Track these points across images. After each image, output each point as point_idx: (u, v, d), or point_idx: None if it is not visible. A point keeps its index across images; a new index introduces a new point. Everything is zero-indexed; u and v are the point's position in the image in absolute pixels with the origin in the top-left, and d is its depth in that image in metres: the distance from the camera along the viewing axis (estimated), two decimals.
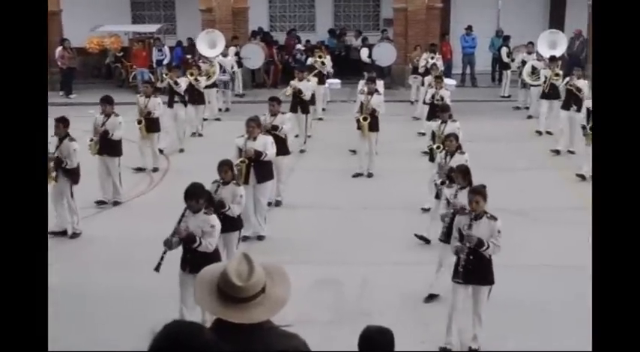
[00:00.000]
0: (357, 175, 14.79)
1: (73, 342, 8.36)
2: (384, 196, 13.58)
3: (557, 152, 16.15)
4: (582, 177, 14.30)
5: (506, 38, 23.42)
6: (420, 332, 8.79)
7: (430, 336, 8.68)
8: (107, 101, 13.27)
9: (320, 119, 19.45)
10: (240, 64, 22.70)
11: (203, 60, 20.38)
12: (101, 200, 13.28)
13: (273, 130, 12.63)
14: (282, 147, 12.71)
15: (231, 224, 9.48)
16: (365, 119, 14.39)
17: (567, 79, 15.93)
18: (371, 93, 14.61)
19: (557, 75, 17.10)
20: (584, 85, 15.82)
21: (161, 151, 15.88)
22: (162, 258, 8.44)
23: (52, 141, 11.36)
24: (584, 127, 14.18)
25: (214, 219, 8.56)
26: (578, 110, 15.08)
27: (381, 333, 4.87)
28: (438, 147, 11.82)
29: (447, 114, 12.89)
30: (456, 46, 24.61)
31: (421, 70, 20.42)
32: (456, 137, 11.37)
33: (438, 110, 13.69)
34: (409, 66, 22.37)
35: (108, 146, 13.15)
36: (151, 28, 25.11)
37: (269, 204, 12.81)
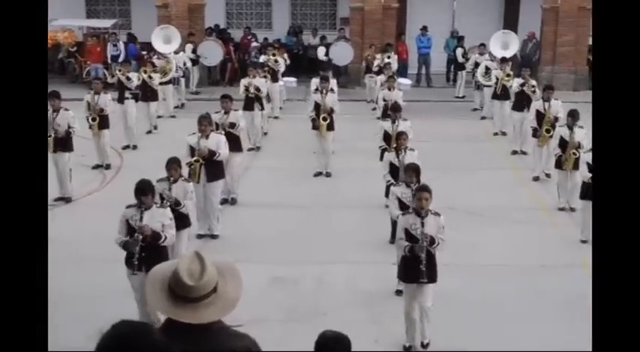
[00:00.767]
0: (317, 174, 14.79)
1: None
2: (340, 195, 13.61)
3: (515, 152, 16.35)
4: (537, 178, 14.52)
5: (461, 39, 23.64)
6: (374, 331, 8.83)
7: (384, 335, 8.73)
8: (55, 96, 13.09)
9: (276, 117, 19.41)
10: (195, 61, 22.54)
11: (158, 56, 20.19)
12: (60, 197, 13.17)
13: (230, 128, 12.63)
14: (236, 145, 12.68)
15: (180, 222, 9.43)
16: (325, 119, 14.39)
17: (522, 80, 16.08)
18: (326, 92, 14.61)
19: (508, 75, 17.29)
20: (537, 86, 16.02)
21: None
22: (135, 258, 8.33)
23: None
24: (535, 129, 14.38)
25: (170, 212, 8.60)
26: (528, 110, 15.25)
27: (337, 341, 4.79)
28: (388, 149, 11.91)
29: (399, 113, 13.00)
30: (411, 46, 24.74)
31: (375, 68, 20.53)
32: (407, 134, 11.53)
33: (389, 109, 13.80)
34: (363, 65, 22.45)
35: (60, 142, 12.98)
36: (106, 23, 24.79)
37: (225, 201, 12.79)
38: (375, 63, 20.75)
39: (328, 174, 14.77)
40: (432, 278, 8.20)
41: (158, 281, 3.60)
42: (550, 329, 8.89)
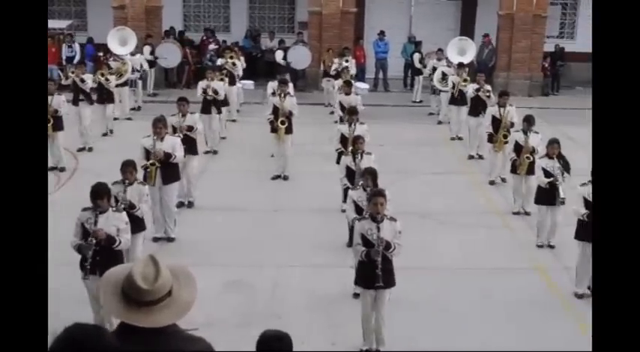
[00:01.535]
0: (275, 177, 14.77)
1: None
2: (297, 198, 13.62)
3: (472, 157, 16.51)
4: (492, 183, 14.69)
5: (419, 44, 23.83)
6: (330, 334, 8.85)
7: (340, 338, 8.75)
8: None
9: (234, 121, 19.36)
10: (152, 62, 22.37)
11: (114, 58, 20.01)
12: None
13: (188, 131, 12.60)
14: (192, 148, 12.63)
15: (135, 225, 9.35)
16: (283, 122, 14.38)
17: (477, 86, 16.25)
18: (284, 95, 14.61)
19: (465, 81, 17.47)
20: (491, 91, 16.21)
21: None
22: (88, 262, 8.24)
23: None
24: (490, 134, 14.55)
25: (126, 216, 8.53)
26: (483, 116, 15.42)
27: (278, 339, 4.79)
28: (345, 152, 11.94)
29: (355, 116, 13.06)
30: (369, 51, 24.88)
31: (333, 73, 20.60)
32: (363, 138, 11.58)
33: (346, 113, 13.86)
34: (321, 69, 22.51)
35: None
36: (61, 23, 24.47)
37: (181, 205, 12.72)
38: (333, 67, 20.83)
39: (286, 178, 14.77)
40: (389, 283, 8.24)
41: (112, 285, 3.57)
42: (502, 331, 9.00)
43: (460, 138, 17.99)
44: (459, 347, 8.59)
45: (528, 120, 12.79)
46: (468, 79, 17.55)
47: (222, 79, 17.02)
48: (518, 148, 12.77)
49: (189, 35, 25.44)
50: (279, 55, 22.90)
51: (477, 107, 16.10)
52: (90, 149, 16.53)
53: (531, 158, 12.50)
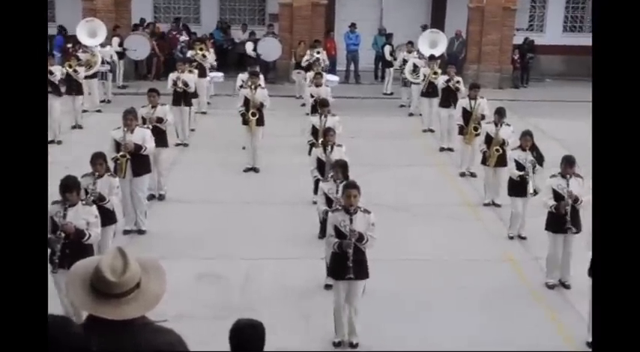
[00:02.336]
0: (247, 170, 14.71)
1: None
2: (269, 191, 13.58)
3: (443, 149, 16.56)
4: (463, 175, 14.75)
5: (389, 36, 23.86)
6: (302, 327, 8.84)
7: (313, 330, 8.74)
8: None
9: (204, 113, 19.25)
10: (121, 54, 22.16)
11: (83, 49, 19.78)
12: None
13: (157, 123, 12.52)
14: (162, 140, 12.54)
15: (106, 218, 9.27)
16: (254, 114, 14.32)
17: (447, 77, 16.32)
18: (255, 87, 14.55)
19: (435, 73, 17.53)
20: (461, 82, 16.29)
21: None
22: (56, 256, 8.14)
23: None
24: (461, 127, 14.62)
25: (96, 209, 8.45)
26: (454, 107, 15.48)
27: (252, 327, 4.81)
28: (316, 144, 11.91)
29: (326, 108, 13.05)
30: (340, 43, 24.87)
31: (304, 63, 20.57)
32: (334, 130, 11.56)
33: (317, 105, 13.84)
34: (293, 61, 22.46)
35: None
36: None
37: (152, 197, 12.63)
38: (304, 59, 20.79)
39: (257, 170, 14.72)
40: (361, 274, 8.25)
41: (80, 278, 3.53)
42: (474, 322, 9.04)
43: (431, 131, 18.05)
44: (432, 338, 8.62)
45: (499, 113, 12.86)
46: (439, 71, 17.60)
47: (191, 71, 16.89)
48: (489, 140, 12.83)
49: (160, 26, 25.22)
50: (249, 47, 22.81)
51: (448, 98, 16.16)
52: (59, 142, 16.33)
53: (501, 150, 12.58)
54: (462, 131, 14.67)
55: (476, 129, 14.16)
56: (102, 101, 20.22)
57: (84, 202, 8.47)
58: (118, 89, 21.82)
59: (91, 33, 20.60)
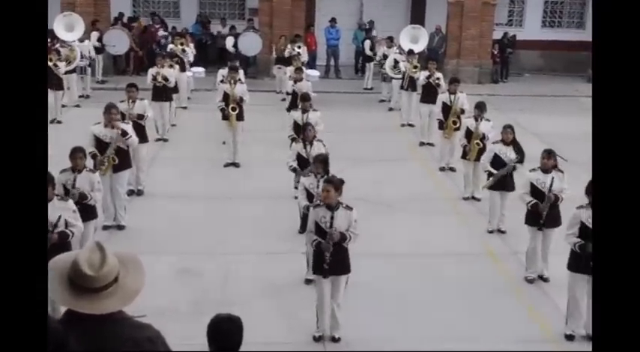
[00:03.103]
0: (227, 165, 14.68)
1: None
2: (249, 186, 13.56)
3: (423, 144, 16.60)
4: (443, 169, 14.80)
5: (369, 31, 23.87)
6: (283, 321, 8.84)
7: (294, 325, 8.74)
8: None
9: (184, 108, 19.18)
10: (100, 49, 22.01)
11: (61, 44, 19.63)
12: None
13: (138, 119, 12.49)
14: (142, 135, 12.50)
15: (87, 213, 9.21)
16: (234, 109, 14.29)
17: (428, 73, 16.36)
18: (235, 82, 14.51)
19: (415, 68, 17.57)
20: (442, 78, 16.34)
21: None
22: None
23: None
24: (441, 121, 14.67)
25: (72, 204, 8.38)
26: (434, 103, 15.52)
27: (230, 321, 4.82)
28: (297, 139, 11.89)
29: (308, 103, 13.04)
30: (320, 38, 24.84)
31: (286, 55, 20.54)
32: (313, 125, 11.55)
33: (299, 100, 13.83)
34: (273, 56, 22.42)
35: None
36: None
37: (132, 193, 12.59)
38: (285, 53, 20.77)
39: (237, 165, 14.69)
40: (344, 270, 8.25)
41: (57, 272, 3.51)
42: (455, 316, 9.09)
43: (411, 125, 18.10)
44: (413, 332, 8.65)
45: (480, 107, 12.90)
46: (418, 65, 17.65)
47: (171, 66, 16.82)
48: (469, 134, 12.88)
49: (142, 21, 25.02)
50: (229, 42, 22.74)
51: (429, 94, 16.20)
52: None
53: (481, 144, 12.63)
54: (441, 126, 14.73)
55: (455, 123, 14.23)
56: (81, 96, 20.09)
57: (59, 197, 8.38)
58: (97, 84, 21.68)
59: (68, 27, 20.45)
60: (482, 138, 12.67)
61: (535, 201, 9.79)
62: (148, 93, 15.19)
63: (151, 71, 16.14)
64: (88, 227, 9.41)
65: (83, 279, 3.42)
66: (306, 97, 13.30)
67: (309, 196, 9.51)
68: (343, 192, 8.33)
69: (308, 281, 9.43)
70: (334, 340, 8.43)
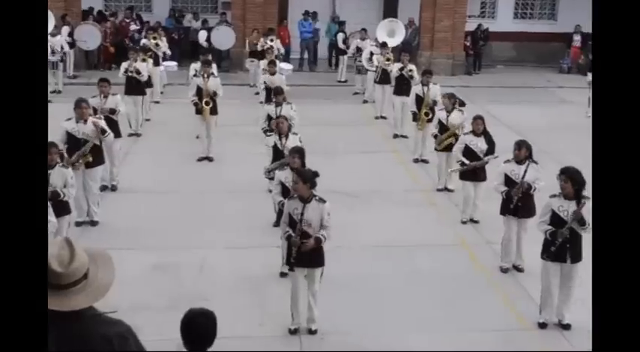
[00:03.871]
0: (201, 159, 14.61)
1: None
2: (223, 180, 13.52)
3: (396, 136, 16.64)
4: (416, 161, 14.85)
5: (342, 24, 23.86)
6: (258, 315, 8.83)
7: (269, 318, 8.73)
8: None
9: (157, 102, 19.05)
10: (71, 44, 21.79)
11: None
12: None
13: (110, 114, 12.41)
14: (115, 130, 12.40)
15: (60, 209, 9.14)
16: (207, 103, 14.24)
17: (401, 65, 16.39)
18: (208, 76, 14.45)
19: (388, 60, 17.60)
20: (414, 70, 16.38)
21: None
22: None
23: None
24: (414, 113, 14.72)
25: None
26: (408, 95, 15.57)
27: (204, 315, 4.80)
28: (272, 130, 11.87)
29: (282, 97, 13.02)
30: (294, 32, 24.79)
31: (259, 48, 20.48)
32: (286, 118, 11.53)
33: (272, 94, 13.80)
34: (246, 49, 22.33)
35: None
36: None
37: (105, 188, 12.50)
38: (258, 47, 20.70)
39: (211, 159, 14.64)
40: (318, 262, 8.26)
41: None
42: (431, 307, 9.13)
43: (384, 117, 18.14)
44: (389, 323, 8.68)
45: (450, 98, 12.95)
46: (392, 58, 17.67)
47: (144, 60, 16.70)
48: (441, 126, 12.93)
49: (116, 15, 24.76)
50: (202, 36, 22.62)
51: (402, 86, 16.24)
52: None
53: (430, 114, 12.74)
54: (415, 117, 14.78)
55: (427, 114, 14.27)
56: (52, 91, 19.87)
57: None
58: (68, 79, 21.49)
59: None
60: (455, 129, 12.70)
61: (507, 189, 9.86)
62: (120, 88, 15.08)
63: (124, 65, 16.02)
64: (62, 222, 9.36)
65: (52, 276, 3.39)
66: (279, 91, 13.27)
67: (285, 190, 9.48)
68: (318, 185, 8.32)
69: (283, 275, 9.42)
70: (311, 332, 8.44)
